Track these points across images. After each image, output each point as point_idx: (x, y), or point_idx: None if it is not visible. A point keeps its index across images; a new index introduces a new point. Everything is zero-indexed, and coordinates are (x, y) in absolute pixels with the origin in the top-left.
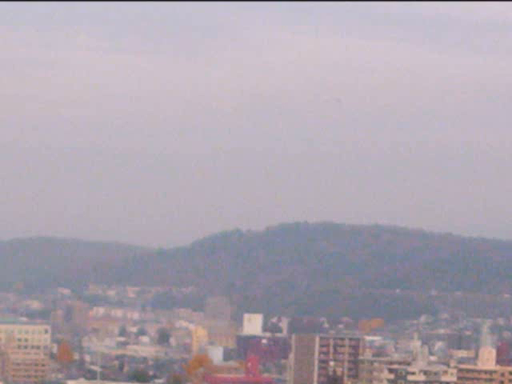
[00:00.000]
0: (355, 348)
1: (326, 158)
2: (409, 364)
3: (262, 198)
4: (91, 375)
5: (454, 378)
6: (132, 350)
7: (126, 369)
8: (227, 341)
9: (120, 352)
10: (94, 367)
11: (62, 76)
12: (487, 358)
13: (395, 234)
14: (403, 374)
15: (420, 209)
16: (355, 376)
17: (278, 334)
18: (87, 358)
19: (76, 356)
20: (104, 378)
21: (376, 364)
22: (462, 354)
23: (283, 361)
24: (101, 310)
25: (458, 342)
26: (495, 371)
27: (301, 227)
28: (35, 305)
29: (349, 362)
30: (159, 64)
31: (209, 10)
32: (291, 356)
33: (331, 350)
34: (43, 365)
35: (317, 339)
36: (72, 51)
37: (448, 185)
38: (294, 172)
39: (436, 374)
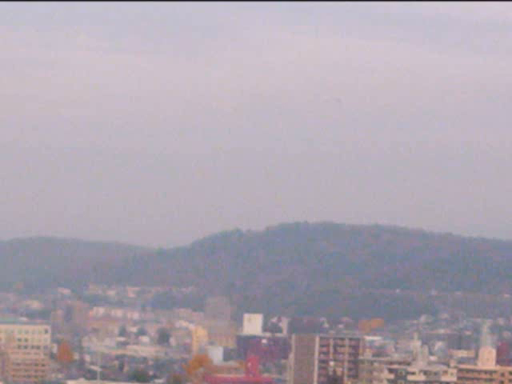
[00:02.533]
0: (355, 348)
1: (326, 158)
2: (409, 364)
3: (262, 198)
4: (91, 375)
5: (454, 378)
6: (132, 349)
7: (126, 369)
8: (227, 341)
9: (120, 352)
10: (94, 367)
11: (61, 76)
12: (487, 358)
13: (395, 234)
14: (403, 373)
15: (420, 209)
16: (355, 376)
17: (278, 334)
18: (87, 357)
19: (76, 356)
20: (104, 378)
21: (376, 364)
22: (462, 353)
23: (283, 361)
24: (101, 310)
25: (458, 342)
26: (495, 371)
27: (301, 227)
28: (35, 305)
29: (349, 361)
30: (159, 64)
31: (209, 10)
32: (291, 356)
33: (331, 350)
34: (43, 365)
35: (317, 339)
36: (72, 51)
37: (448, 185)
38: (294, 172)
39: (436, 373)
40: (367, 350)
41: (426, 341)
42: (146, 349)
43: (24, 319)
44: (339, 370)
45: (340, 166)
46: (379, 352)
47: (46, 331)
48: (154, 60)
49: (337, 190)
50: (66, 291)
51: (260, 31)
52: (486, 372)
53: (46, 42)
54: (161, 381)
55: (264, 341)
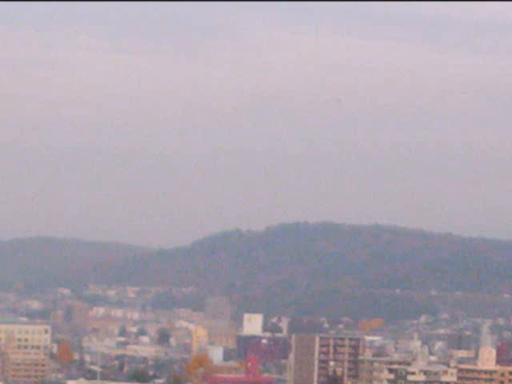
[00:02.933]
0: (355, 348)
1: (326, 158)
2: (409, 364)
3: (262, 198)
4: (91, 375)
5: (454, 378)
6: (132, 349)
7: (126, 369)
8: (227, 341)
9: (120, 352)
10: (94, 367)
11: (62, 76)
12: (487, 358)
13: (395, 234)
14: (403, 373)
15: (420, 209)
16: (355, 376)
17: (278, 334)
18: (87, 357)
19: (76, 356)
20: (104, 378)
21: (376, 364)
22: (462, 353)
23: (283, 361)
24: (101, 310)
25: (458, 342)
26: (495, 371)
27: (301, 227)
28: (35, 305)
29: (349, 361)
30: (159, 64)
31: (209, 10)
32: (291, 356)
33: (331, 349)
34: (43, 365)
35: (317, 339)
36: (72, 51)
37: (448, 185)
38: (294, 172)
39: (436, 373)
40: (367, 350)
41: (426, 341)
42: (146, 349)
43: (24, 319)
44: (339, 370)
45: (340, 166)
46: (379, 352)
47: (46, 331)
48: (154, 60)
49: (337, 190)
50: (66, 291)
51: (260, 31)
52: (486, 372)
53: (46, 41)
54: (161, 381)
55: (264, 341)
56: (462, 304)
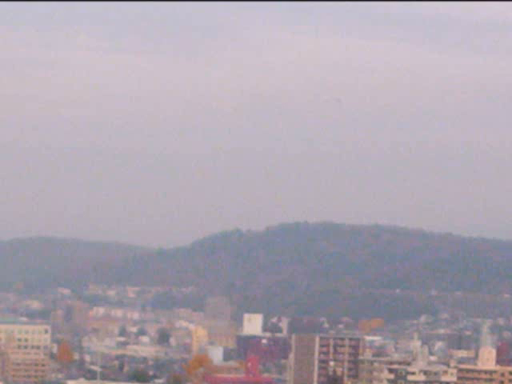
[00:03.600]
0: (355, 348)
1: (326, 158)
2: (409, 364)
3: (262, 198)
4: (91, 375)
5: (454, 378)
6: (132, 349)
7: (126, 369)
8: (227, 341)
9: (120, 352)
10: (94, 367)
11: (61, 76)
12: (487, 358)
13: (395, 234)
14: (403, 373)
15: (420, 209)
16: (355, 376)
17: (278, 334)
18: (87, 357)
19: (76, 356)
20: (104, 378)
21: (376, 364)
22: (462, 353)
23: (283, 361)
24: (101, 310)
25: (458, 342)
26: (495, 371)
27: (301, 227)
28: (35, 305)
29: (349, 361)
30: (159, 64)
31: (209, 10)
32: (291, 356)
33: (331, 350)
34: (43, 365)
35: (317, 339)
36: (72, 51)
37: (448, 185)
38: (294, 172)
39: (436, 373)
40: (367, 350)
41: (426, 341)
42: (146, 349)
43: (24, 319)
44: (339, 370)
45: (340, 166)
46: (379, 352)
47: (46, 331)
48: (154, 60)
49: (337, 190)
50: (66, 291)
51: (260, 31)
52: (486, 372)
53: (46, 41)
54: (161, 381)
55: (264, 341)
56: (462, 304)
